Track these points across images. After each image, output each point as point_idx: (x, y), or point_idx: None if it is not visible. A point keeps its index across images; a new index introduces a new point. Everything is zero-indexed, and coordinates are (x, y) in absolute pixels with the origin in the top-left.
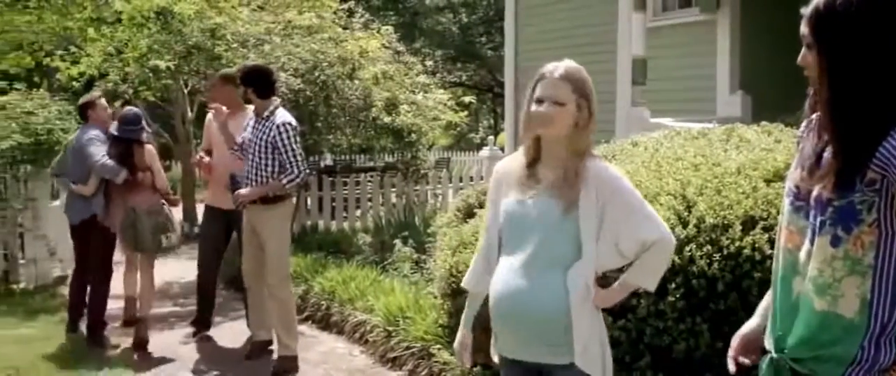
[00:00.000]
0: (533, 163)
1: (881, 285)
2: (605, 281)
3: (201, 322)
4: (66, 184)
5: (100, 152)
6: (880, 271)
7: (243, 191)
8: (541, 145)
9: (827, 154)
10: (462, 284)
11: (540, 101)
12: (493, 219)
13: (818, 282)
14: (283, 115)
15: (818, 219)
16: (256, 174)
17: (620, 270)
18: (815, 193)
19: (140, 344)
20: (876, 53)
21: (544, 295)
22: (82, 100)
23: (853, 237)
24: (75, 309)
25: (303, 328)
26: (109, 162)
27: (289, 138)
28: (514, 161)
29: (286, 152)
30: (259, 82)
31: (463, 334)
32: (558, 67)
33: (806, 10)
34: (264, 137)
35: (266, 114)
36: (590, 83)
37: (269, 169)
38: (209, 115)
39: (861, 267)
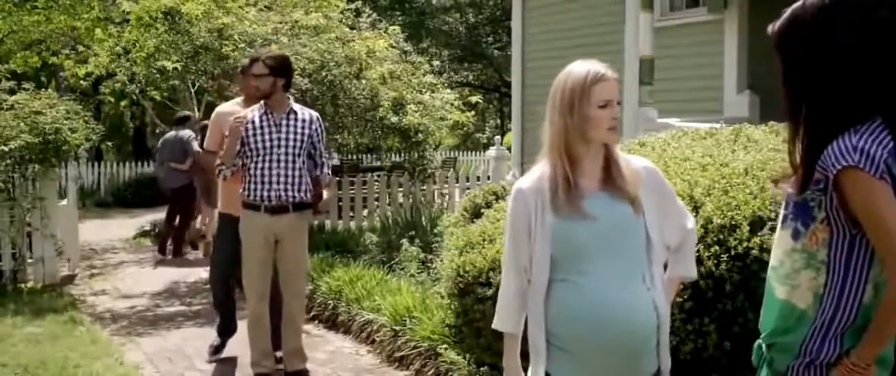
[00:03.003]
0: (569, 172)
1: (832, 281)
2: None
3: (229, 332)
4: (167, 165)
5: (196, 145)
6: (832, 268)
7: (326, 195)
8: (572, 155)
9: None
10: (496, 326)
11: (604, 106)
12: (525, 246)
13: (779, 272)
14: (307, 108)
15: (783, 213)
16: (299, 177)
17: None
18: (787, 190)
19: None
20: (826, 66)
21: (643, 309)
22: (181, 115)
23: (810, 232)
24: (165, 241)
25: (309, 327)
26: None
27: (323, 131)
28: (541, 180)
29: (321, 146)
30: (290, 74)
31: None
32: (605, 68)
33: (772, 27)
34: (303, 133)
35: (287, 109)
36: None
37: (304, 168)
38: (236, 117)
39: (815, 261)
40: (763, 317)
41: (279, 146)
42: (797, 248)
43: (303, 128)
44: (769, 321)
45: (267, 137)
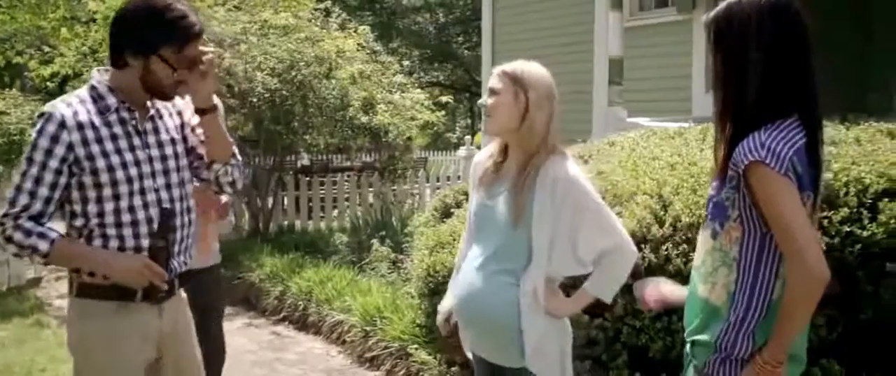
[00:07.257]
0: (502, 157)
1: (742, 279)
2: (574, 286)
3: None
4: None
5: None
6: (743, 265)
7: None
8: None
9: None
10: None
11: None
12: (468, 216)
13: (701, 271)
14: None
15: (705, 214)
16: (188, 222)
17: (585, 276)
18: (709, 191)
19: None
20: (750, 62)
21: (495, 299)
22: None
23: (725, 232)
24: None
25: (280, 328)
26: None
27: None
28: (486, 153)
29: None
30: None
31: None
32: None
33: (706, 17)
34: (180, 135)
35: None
36: (532, 76)
37: (188, 201)
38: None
39: (728, 259)
40: (686, 316)
41: (152, 172)
42: (715, 247)
43: (177, 126)
44: (690, 319)
45: (122, 156)
